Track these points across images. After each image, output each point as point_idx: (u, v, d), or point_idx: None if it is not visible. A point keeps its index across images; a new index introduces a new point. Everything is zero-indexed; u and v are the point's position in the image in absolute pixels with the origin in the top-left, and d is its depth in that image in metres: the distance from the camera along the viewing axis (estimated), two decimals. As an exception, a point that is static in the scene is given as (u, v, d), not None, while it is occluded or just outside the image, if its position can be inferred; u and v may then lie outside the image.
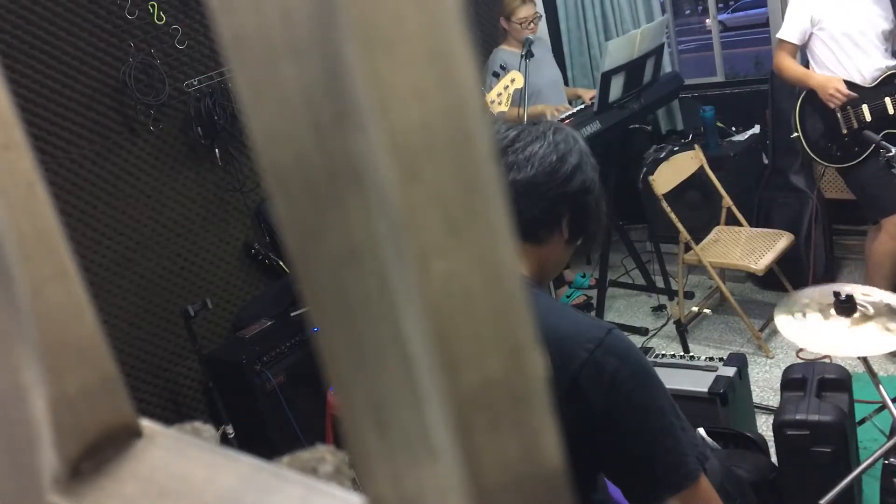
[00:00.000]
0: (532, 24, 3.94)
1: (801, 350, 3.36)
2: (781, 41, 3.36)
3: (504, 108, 3.37)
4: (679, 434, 1.13)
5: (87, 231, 3.05)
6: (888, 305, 2.24)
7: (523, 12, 3.91)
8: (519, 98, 3.44)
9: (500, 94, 3.35)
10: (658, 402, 1.14)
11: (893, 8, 3.15)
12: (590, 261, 4.81)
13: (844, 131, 3.27)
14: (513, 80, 3.38)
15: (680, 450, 1.12)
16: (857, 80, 3.23)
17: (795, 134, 3.44)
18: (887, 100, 3.16)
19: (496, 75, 3.55)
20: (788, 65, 3.34)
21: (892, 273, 3.26)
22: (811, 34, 3.29)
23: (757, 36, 10.73)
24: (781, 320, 2.29)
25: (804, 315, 2.28)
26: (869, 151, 3.20)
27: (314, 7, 0.18)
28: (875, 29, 3.16)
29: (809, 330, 2.23)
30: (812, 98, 3.34)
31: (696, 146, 3.81)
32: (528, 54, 3.59)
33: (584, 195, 1.22)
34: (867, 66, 3.20)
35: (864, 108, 3.21)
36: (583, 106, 4.02)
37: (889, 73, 3.18)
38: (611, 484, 1.32)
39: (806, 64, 3.40)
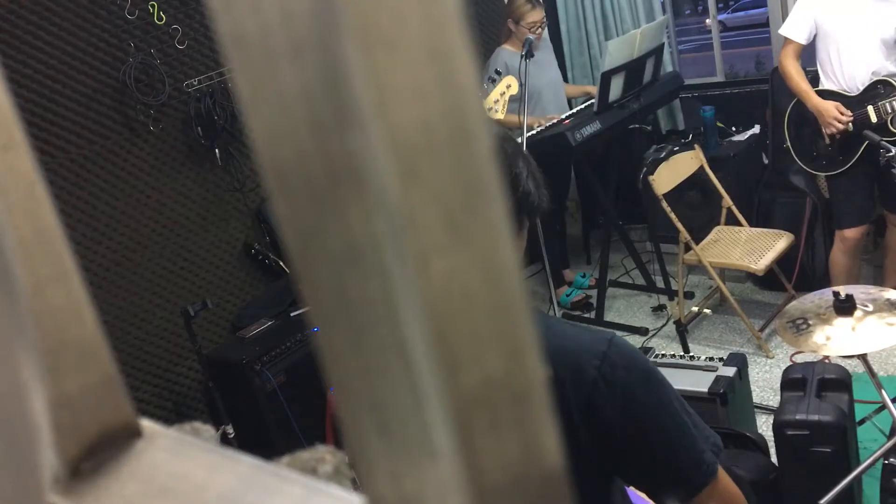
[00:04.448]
0: (539, 29, 3.93)
1: (795, 353, 3.36)
2: (788, 40, 3.28)
3: (501, 115, 3.33)
4: (693, 432, 1.14)
5: (87, 231, 3.05)
6: (888, 300, 2.24)
7: (533, 17, 3.90)
8: (512, 104, 3.43)
9: (496, 101, 3.31)
10: (669, 404, 1.15)
11: None
12: (590, 261, 4.82)
13: (827, 141, 3.26)
14: (508, 87, 3.35)
15: (698, 447, 1.14)
16: (849, 85, 3.18)
17: (786, 144, 3.47)
18: (870, 108, 3.11)
19: (492, 80, 3.52)
20: (793, 73, 3.27)
21: (846, 281, 3.28)
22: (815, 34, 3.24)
23: (757, 36, 10.73)
24: (783, 332, 2.30)
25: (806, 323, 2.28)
26: (853, 161, 3.21)
27: (314, 7, 0.18)
28: (879, 34, 3.07)
29: (811, 335, 2.24)
30: (800, 107, 3.33)
31: (696, 146, 3.81)
32: (528, 54, 3.59)
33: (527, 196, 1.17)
34: (863, 72, 3.14)
35: None
36: (584, 105, 4.02)
37: (874, 80, 3.12)
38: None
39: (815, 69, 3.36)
